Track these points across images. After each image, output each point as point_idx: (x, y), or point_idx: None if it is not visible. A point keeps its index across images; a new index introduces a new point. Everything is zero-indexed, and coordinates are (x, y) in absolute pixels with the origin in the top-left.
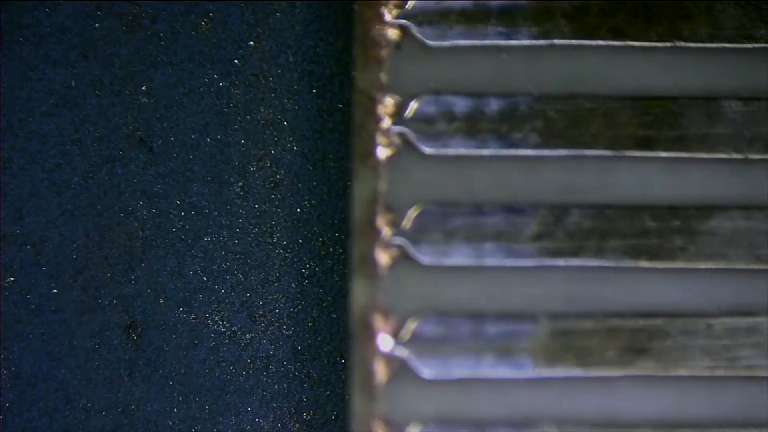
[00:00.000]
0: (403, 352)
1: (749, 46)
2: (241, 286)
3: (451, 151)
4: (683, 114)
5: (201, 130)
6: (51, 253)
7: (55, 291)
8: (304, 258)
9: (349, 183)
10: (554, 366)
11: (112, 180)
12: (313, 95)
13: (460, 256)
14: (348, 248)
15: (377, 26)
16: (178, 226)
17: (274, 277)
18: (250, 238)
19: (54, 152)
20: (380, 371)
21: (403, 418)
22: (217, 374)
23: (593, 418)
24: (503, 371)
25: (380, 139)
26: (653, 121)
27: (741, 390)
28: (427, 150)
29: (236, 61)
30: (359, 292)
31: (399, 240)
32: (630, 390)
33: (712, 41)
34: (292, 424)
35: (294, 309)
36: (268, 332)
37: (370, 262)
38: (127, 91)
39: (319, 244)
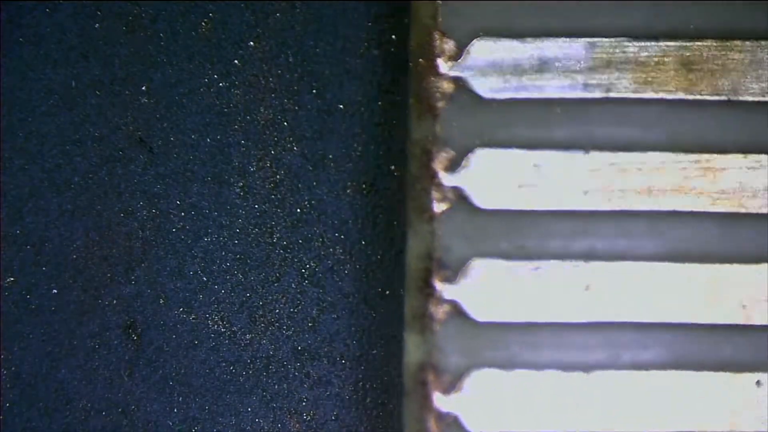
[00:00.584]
0: (455, 409)
1: None
2: (241, 287)
3: (505, 206)
4: (741, 168)
5: (201, 130)
6: (51, 253)
7: (55, 291)
8: (304, 258)
9: (349, 183)
10: (608, 419)
11: (112, 180)
12: (313, 95)
13: (509, 311)
14: (347, 248)
15: (432, 78)
16: (178, 226)
17: (274, 277)
18: (250, 238)
19: (54, 152)
20: (433, 428)
21: None
22: (217, 374)
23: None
24: (556, 424)
25: (435, 193)
26: (708, 182)
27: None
28: (482, 205)
29: (236, 61)
30: (412, 348)
31: (452, 294)
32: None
33: (763, 95)
34: (292, 424)
35: (294, 309)
36: (268, 332)
37: (423, 317)
38: (127, 91)
39: (319, 244)
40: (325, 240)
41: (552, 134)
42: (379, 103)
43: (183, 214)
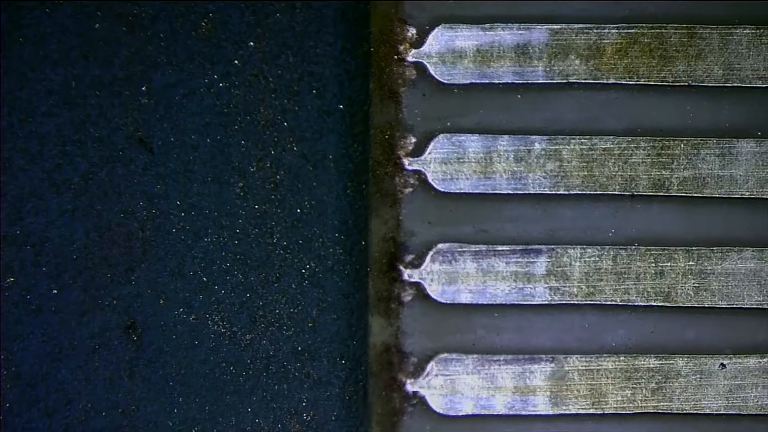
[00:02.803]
0: (420, 390)
1: (764, 86)
2: (241, 287)
3: (466, 190)
4: (698, 154)
5: (201, 130)
6: (51, 253)
7: (55, 291)
8: (304, 258)
9: (349, 183)
10: (568, 402)
11: (112, 180)
12: (313, 95)
13: (471, 295)
14: (347, 248)
15: (393, 65)
16: (178, 226)
17: (274, 278)
18: (250, 239)
19: (54, 152)
20: (399, 408)
21: None
22: (217, 375)
23: None
24: (518, 408)
25: (398, 178)
26: (668, 162)
27: (752, 428)
28: (442, 189)
29: (236, 61)
30: (377, 330)
31: (416, 278)
32: (644, 427)
33: (726, 81)
34: (292, 424)
35: (294, 309)
36: (268, 333)
37: (388, 300)
38: (127, 91)
39: (319, 244)
40: (325, 240)
41: (513, 120)
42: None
43: (183, 214)
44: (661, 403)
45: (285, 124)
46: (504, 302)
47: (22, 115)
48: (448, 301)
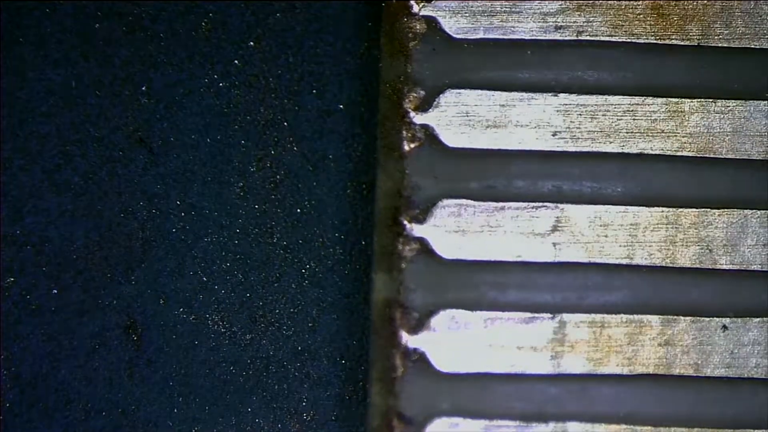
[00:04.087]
0: (421, 346)
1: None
2: (241, 287)
3: (473, 146)
4: (707, 114)
5: (201, 130)
6: (51, 253)
7: (55, 291)
8: (304, 258)
9: (349, 183)
10: (570, 362)
11: (112, 180)
12: (313, 95)
13: (476, 251)
14: (347, 248)
15: (404, 19)
16: (178, 226)
17: (274, 277)
18: (250, 239)
19: (54, 152)
20: (399, 364)
21: (420, 411)
22: (217, 375)
23: (607, 414)
24: (519, 367)
25: (405, 132)
26: (676, 126)
27: (753, 392)
28: (449, 144)
29: (236, 61)
30: (380, 286)
31: (420, 233)
32: (645, 389)
33: (733, 41)
34: (292, 424)
35: (294, 309)
36: (268, 332)
37: (391, 254)
38: (127, 91)
39: (319, 244)
40: (325, 240)
41: (522, 76)
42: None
43: (183, 214)
44: (663, 365)
45: (285, 124)
46: (508, 259)
47: (22, 115)
48: (452, 257)
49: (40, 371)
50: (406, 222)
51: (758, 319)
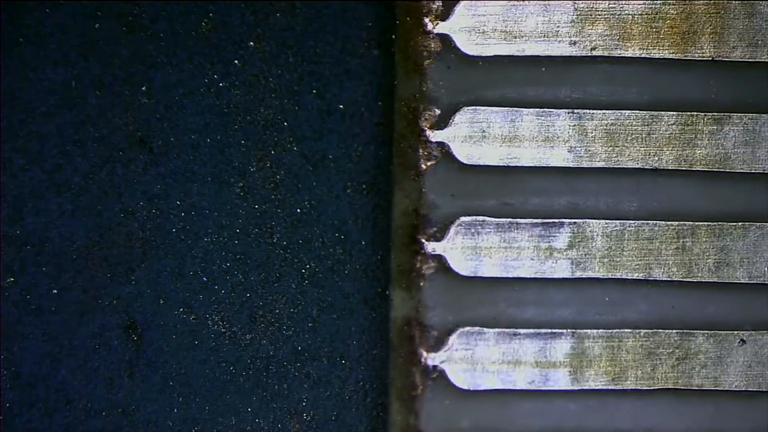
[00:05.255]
0: (441, 363)
1: None
2: (241, 287)
3: (489, 163)
4: (721, 129)
5: (201, 130)
6: (51, 253)
7: (55, 291)
8: (304, 258)
9: (349, 183)
10: (589, 378)
11: (112, 180)
12: (313, 95)
13: (494, 268)
14: (347, 248)
15: (419, 37)
16: (178, 226)
17: (274, 277)
18: (250, 238)
19: (54, 152)
20: (418, 382)
21: (439, 429)
22: (217, 375)
23: (627, 430)
24: (538, 383)
25: (421, 150)
26: (691, 140)
27: None
28: (466, 161)
29: (236, 61)
30: (399, 304)
31: (439, 251)
32: (664, 404)
33: (750, 57)
34: (292, 424)
35: (294, 309)
36: (268, 332)
37: (409, 273)
38: (127, 91)
39: (319, 244)
40: (325, 240)
41: (537, 92)
42: (379, 103)
43: (183, 214)
44: (681, 379)
45: (285, 124)
46: (526, 276)
47: (22, 115)
48: (470, 275)
49: (40, 371)
50: (423, 240)
51: None
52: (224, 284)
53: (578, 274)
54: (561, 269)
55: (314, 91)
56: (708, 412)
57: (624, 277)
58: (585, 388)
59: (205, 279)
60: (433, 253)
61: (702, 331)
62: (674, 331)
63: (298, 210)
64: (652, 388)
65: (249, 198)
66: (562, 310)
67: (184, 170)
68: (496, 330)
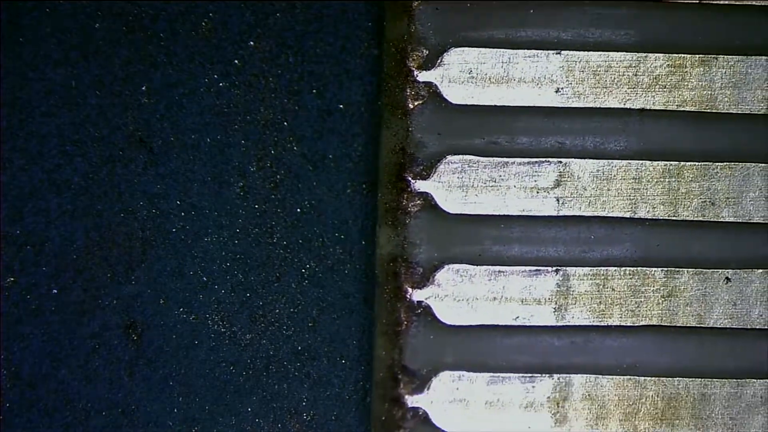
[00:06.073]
0: (426, 299)
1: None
2: (241, 287)
3: (477, 103)
4: (709, 70)
5: (201, 130)
6: (51, 253)
7: (55, 291)
8: (304, 258)
9: (349, 183)
10: (574, 314)
11: (112, 180)
12: (313, 95)
13: (479, 206)
14: (347, 248)
15: None
16: (178, 226)
17: (274, 277)
18: (250, 238)
19: (54, 152)
20: (403, 318)
21: (424, 365)
22: (217, 374)
23: (611, 366)
24: (523, 319)
25: (409, 90)
26: (678, 81)
27: (755, 342)
28: (453, 101)
29: (236, 61)
30: (384, 241)
31: (424, 188)
32: (648, 340)
33: None
34: (292, 424)
35: (294, 309)
36: (268, 332)
37: (396, 210)
38: (127, 91)
39: (319, 244)
40: (325, 240)
41: (525, 34)
42: (379, 103)
43: (183, 214)
44: (666, 317)
45: (285, 123)
46: (512, 213)
47: (22, 115)
48: (456, 212)
49: (40, 371)
50: (410, 178)
51: (760, 271)
52: (224, 284)
53: (564, 212)
54: (547, 207)
55: (314, 91)
56: (692, 348)
57: (610, 215)
58: (570, 324)
59: (205, 279)
60: (419, 191)
61: (687, 270)
62: (659, 269)
63: (298, 210)
64: (636, 324)
65: (249, 198)
66: (548, 247)
67: (184, 170)
68: (482, 267)
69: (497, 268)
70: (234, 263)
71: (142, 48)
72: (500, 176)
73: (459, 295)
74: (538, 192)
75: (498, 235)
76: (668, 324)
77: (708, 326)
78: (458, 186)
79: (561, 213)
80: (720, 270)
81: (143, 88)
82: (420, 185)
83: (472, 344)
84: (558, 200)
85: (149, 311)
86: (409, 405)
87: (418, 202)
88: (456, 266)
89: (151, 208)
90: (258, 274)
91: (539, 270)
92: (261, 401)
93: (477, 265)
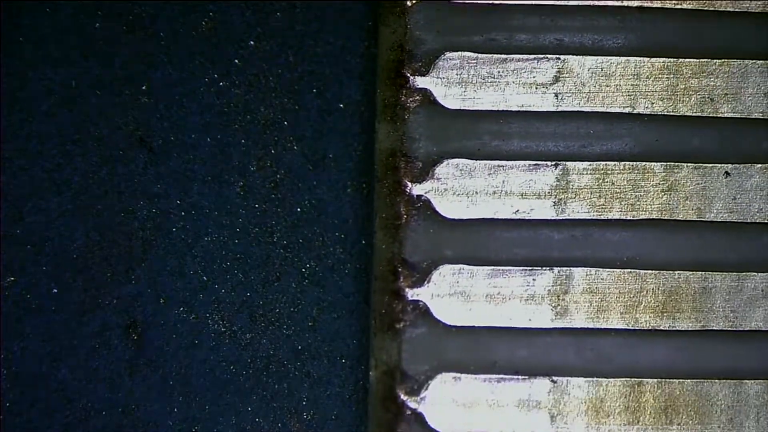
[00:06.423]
0: (425, 194)
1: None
2: (241, 286)
3: (476, 2)
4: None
5: (201, 130)
6: (51, 253)
7: (55, 291)
8: (304, 258)
9: (349, 183)
10: (574, 208)
11: (112, 180)
12: (313, 95)
13: (478, 100)
14: (347, 248)
15: None
16: (178, 226)
17: (274, 277)
18: (250, 238)
19: (54, 152)
20: (403, 212)
21: (424, 258)
22: (217, 374)
23: (611, 259)
24: (523, 213)
25: None
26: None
27: (755, 236)
28: None
29: (236, 61)
30: (383, 136)
31: (423, 84)
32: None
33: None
34: (292, 423)
35: (294, 309)
36: (268, 332)
37: (394, 106)
38: (127, 91)
39: (319, 244)
40: (325, 240)
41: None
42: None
43: (183, 214)
44: (666, 211)
45: (285, 123)
46: (511, 109)
47: (22, 115)
48: (455, 107)
49: (40, 371)
50: (409, 74)
51: (760, 165)
52: (224, 284)
53: (563, 107)
54: (546, 103)
55: (314, 90)
56: (692, 242)
57: (609, 110)
58: (569, 218)
59: (205, 279)
60: (418, 86)
61: (687, 164)
62: (659, 163)
63: (298, 210)
64: (636, 218)
65: (249, 198)
66: (548, 142)
67: (184, 170)
68: (482, 161)
69: (496, 162)
70: (234, 263)
71: (142, 48)
72: (499, 72)
73: (459, 189)
74: (536, 88)
75: (497, 130)
76: (668, 218)
77: (708, 220)
78: (457, 82)
79: (560, 108)
80: (719, 165)
81: (143, 88)
82: (419, 81)
83: (472, 238)
84: (557, 96)
85: (149, 311)
86: (409, 298)
87: (417, 97)
88: (455, 161)
89: (151, 207)
90: (258, 274)
91: (538, 164)
92: (261, 401)
93: (476, 160)
